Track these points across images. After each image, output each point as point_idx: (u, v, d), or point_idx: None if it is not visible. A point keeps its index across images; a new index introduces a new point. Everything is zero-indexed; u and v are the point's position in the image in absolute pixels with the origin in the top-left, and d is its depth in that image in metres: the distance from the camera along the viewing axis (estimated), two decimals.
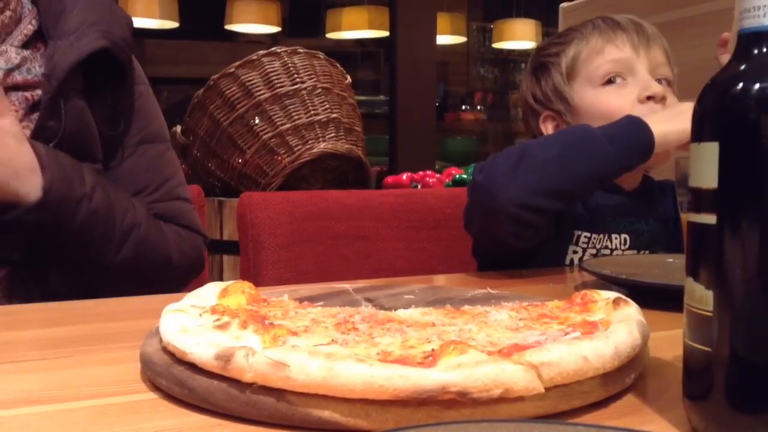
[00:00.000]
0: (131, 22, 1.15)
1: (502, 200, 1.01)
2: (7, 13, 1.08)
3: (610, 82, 1.24)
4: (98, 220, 1.02)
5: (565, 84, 1.29)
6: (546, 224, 1.08)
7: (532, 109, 1.34)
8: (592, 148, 1.04)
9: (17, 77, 1.05)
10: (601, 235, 1.24)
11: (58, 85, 1.03)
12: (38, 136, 1.03)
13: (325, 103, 2.37)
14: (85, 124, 1.08)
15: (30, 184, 0.95)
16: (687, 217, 0.47)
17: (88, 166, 1.06)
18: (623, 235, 1.25)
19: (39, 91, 1.07)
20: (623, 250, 1.25)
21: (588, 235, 1.23)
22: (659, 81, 1.24)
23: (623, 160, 1.06)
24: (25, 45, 1.08)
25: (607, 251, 1.24)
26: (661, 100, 1.21)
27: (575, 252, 1.23)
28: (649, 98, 1.21)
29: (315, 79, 2.36)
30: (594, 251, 1.24)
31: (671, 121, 1.07)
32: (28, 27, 1.09)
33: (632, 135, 1.06)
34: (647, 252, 1.26)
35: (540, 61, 1.34)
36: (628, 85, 1.23)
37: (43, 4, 1.11)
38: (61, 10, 1.09)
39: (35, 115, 1.06)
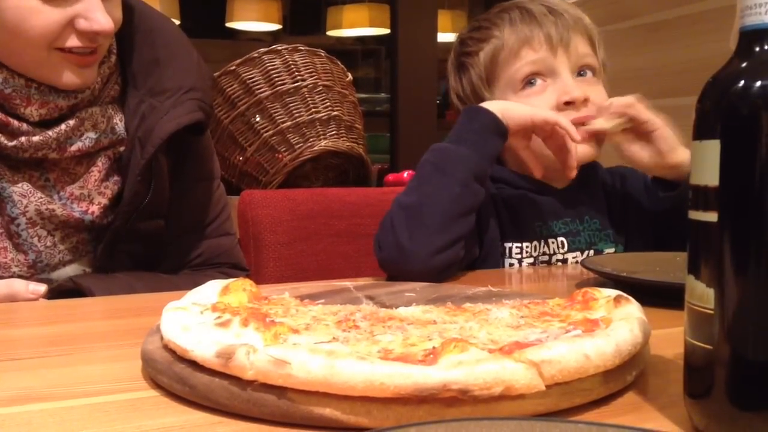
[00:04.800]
0: (212, 77, 1.15)
1: (415, 264, 0.97)
2: (113, 58, 1.07)
3: (530, 83, 1.18)
4: None
5: (485, 88, 1.23)
6: (465, 251, 1.05)
7: (457, 109, 1.27)
8: (446, 162, 1.03)
9: (103, 141, 1.05)
10: (535, 242, 1.19)
11: (154, 153, 1.03)
12: (130, 201, 1.04)
13: (326, 100, 2.37)
14: (165, 184, 1.09)
15: None
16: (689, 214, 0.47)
17: (137, 276, 1.06)
18: (560, 239, 1.20)
19: (121, 148, 1.07)
20: (563, 254, 1.20)
21: (519, 245, 1.18)
22: (583, 73, 1.18)
23: (485, 149, 1.05)
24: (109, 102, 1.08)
25: (546, 257, 1.19)
26: (583, 102, 1.15)
27: (511, 264, 1.18)
28: (568, 104, 1.15)
29: (316, 77, 2.36)
30: (531, 260, 1.19)
31: (508, 103, 1.11)
32: (114, 88, 1.08)
33: (473, 123, 1.06)
34: (591, 252, 1.20)
35: (460, 60, 1.28)
36: (549, 87, 1.17)
37: (130, 45, 1.09)
38: (153, 60, 1.08)
39: (116, 175, 1.07)
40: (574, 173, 1.13)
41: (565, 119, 1.10)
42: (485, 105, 1.09)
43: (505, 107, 1.09)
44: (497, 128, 1.07)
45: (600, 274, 0.94)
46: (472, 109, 1.09)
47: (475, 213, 1.05)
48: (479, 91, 1.23)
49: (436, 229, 0.98)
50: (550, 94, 1.16)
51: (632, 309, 0.61)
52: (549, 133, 1.11)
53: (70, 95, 1.01)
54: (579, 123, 1.13)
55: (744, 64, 0.45)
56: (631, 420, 0.50)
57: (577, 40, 1.19)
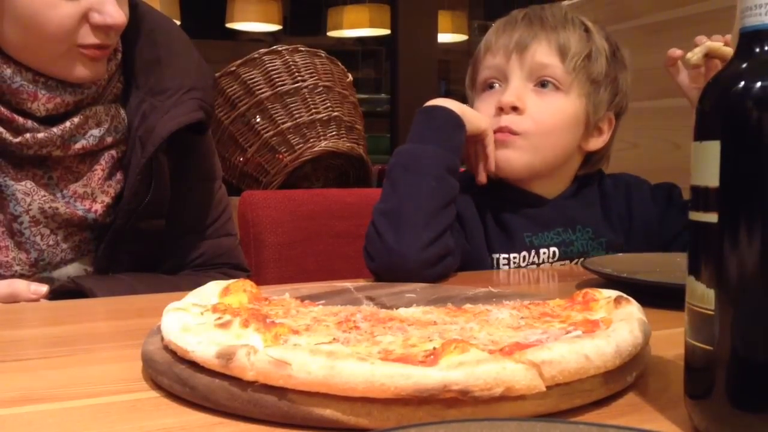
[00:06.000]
0: (214, 77, 1.16)
1: (408, 262, 0.97)
2: (119, 56, 1.07)
3: (490, 87, 1.20)
4: None
5: (470, 89, 1.27)
6: (455, 240, 1.06)
7: None
8: (415, 161, 1.04)
9: (107, 139, 1.05)
10: (525, 253, 1.18)
11: (154, 152, 1.03)
12: (130, 200, 1.04)
13: (327, 101, 2.37)
14: (166, 183, 1.09)
15: None
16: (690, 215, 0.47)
17: (138, 277, 1.07)
18: (552, 249, 1.19)
19: (123, 147, 1.07)
20: (551, 263, 1.19)
21: (506, 256, 1.17)
22: (545, 84, 1.16)
23: (451, 143, 1.07)
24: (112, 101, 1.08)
25: (535, 267, 1.18)
26: (513, 110, 1.14)
27: None
28: (500, 109, 1.15)
29: (316, 78, 2.36)
30: None
31: (463, 106, 1.13)
32: (117, 86, 1.09)
33: (433, 121, 1.09)
34: (582, 260, 1.18)
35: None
36: (498, 93, 1.18)
37: (132, 44, 1.09)
38: (154, 60, 1.09)
39: (119, 174, 1.07)
40: (483, 180, 1.17)
41: (491, 134, 1.14)
42: (440, 103, 1.11)
43: (462, 108, 1.12)
44: (457, 123, 1.09)
45: (600, 275, 0.94)
46: (428, 109, 1.12)
47: (455, 204, 1.07)
48: (467, 91, 1.28)
49: (420, 225, 0.99)
50: (497, 98, 1.17)
51: (632, 310, 0.61)
52: (481, 139, 1.15)
53: (77, 90, 1.02)
54: (506, 130, 1.15)
55: (744, 65, 0.45)
56: (631, 421, 0.50)
57: (539, 49, 1.16)
